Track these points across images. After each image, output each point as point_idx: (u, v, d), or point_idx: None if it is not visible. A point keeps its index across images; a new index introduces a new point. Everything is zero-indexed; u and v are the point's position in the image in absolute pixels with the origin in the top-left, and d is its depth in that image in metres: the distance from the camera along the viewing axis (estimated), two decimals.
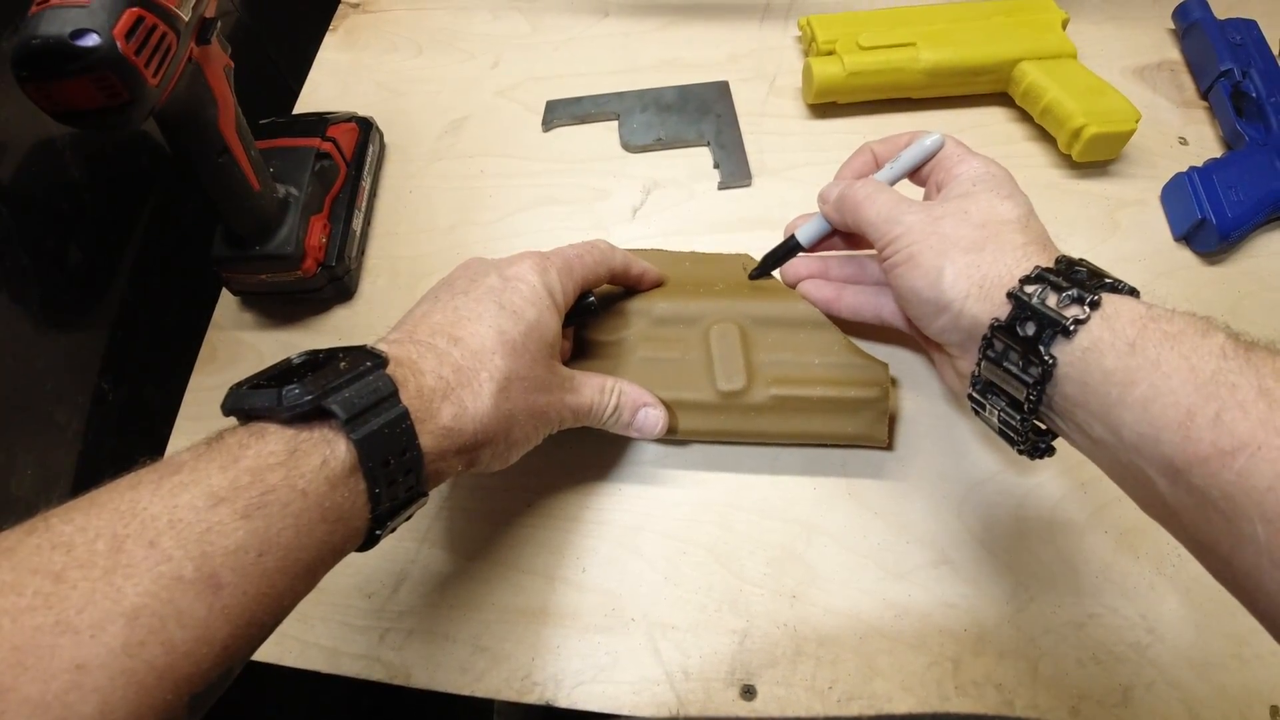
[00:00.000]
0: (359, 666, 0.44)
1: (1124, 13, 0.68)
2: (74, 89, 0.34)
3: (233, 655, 0.27)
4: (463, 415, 0.35)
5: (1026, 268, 0.34)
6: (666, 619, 0.44)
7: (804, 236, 0.47)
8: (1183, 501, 0.29)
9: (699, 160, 0.61)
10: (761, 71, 0.65)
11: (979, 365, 0.36)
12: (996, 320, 0.34)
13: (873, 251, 0.43)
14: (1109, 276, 0.34)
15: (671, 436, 0.47)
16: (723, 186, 0.59)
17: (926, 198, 0.44)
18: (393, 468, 0.31)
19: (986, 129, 0.61)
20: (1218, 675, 0.42)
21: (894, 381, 0.50)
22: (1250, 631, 0.43)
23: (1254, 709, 0.41)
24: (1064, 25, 0.62)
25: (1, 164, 0.47)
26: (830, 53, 0.60)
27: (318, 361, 0.33)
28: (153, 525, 0.25)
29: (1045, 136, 0.60)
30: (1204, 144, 0.61)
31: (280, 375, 0.32)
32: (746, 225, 0.58)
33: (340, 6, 0.72)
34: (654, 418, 0.45)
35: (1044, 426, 0.35)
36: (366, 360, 0.32)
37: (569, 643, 0.44)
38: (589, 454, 0.49)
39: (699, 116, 0.62)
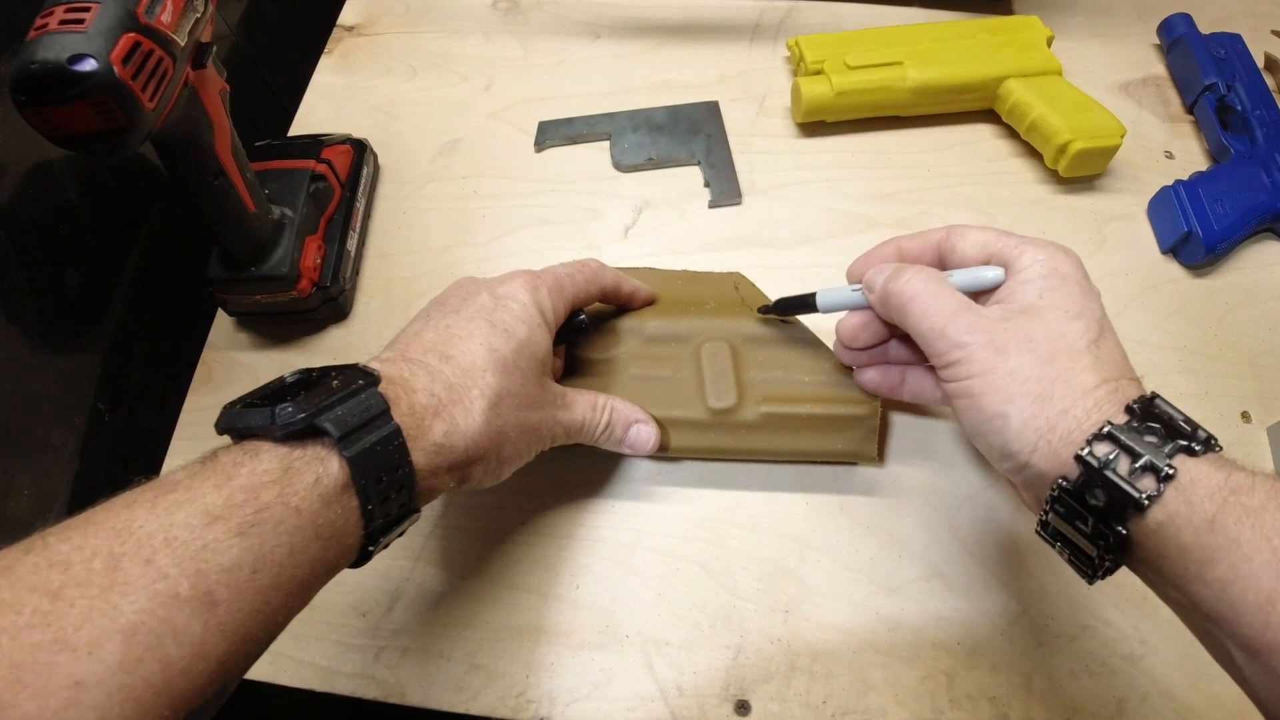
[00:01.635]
0: (354, 685, 0.44)
1: (1109, 29, 0.69)
2: (71, 113, 0.35)
3: (228, 671, 0.27)
4: (454, 432, 0.35)
5: (1097, 422, 0.32)
6: (660, 635, 0.44)
7: (824, 303, 0.43)
8: (1260, 679, 0.28)
9: (690, 180, 0.62)
10: (751, 92, 0.66)
11: (1047, 514, 0.33)
12: (1064, 481, 0.32)
13: None
14: (1184, 428, 0.31)
15: (663, 454, 0.47)
16: (713, 205, 0.60)
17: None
18: (385, 485, 0.32)
19: (973, 146, 0.62)
20: (1211, 686, 0.42)
21: None
22: None
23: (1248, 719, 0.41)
24: (1049, 43, 0.62)
25: (0, 187, 0.47)
26: (818, 72, 0.61)
27: (310, 380, 0.33)
28: (149, 543, 0.26)
29: (1032, 153, 0.60)
30: (1190, 157, 0.61)
31: (273, 394, 0.32)
32: (737, 244, 0.58)
33: (335, 30, 0.72)
34: (646, 434, 0.45)
35: None
36: (359, 378, 0.32)
37: (563, 660, 0.44)
38: (582, 472, 0.49)
39: (689, 136, 0.63)
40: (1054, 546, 0.35)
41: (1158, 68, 0.67)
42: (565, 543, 0.47)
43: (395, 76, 0.69)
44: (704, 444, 0.47)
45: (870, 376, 0.44)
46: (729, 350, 0.47)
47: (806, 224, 0.59)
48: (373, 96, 0.68)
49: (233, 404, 0.32)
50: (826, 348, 0.47)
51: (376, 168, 0.63)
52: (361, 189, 0.59)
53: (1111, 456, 0.30)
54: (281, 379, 0.34)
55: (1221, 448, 0.31)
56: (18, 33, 0.35)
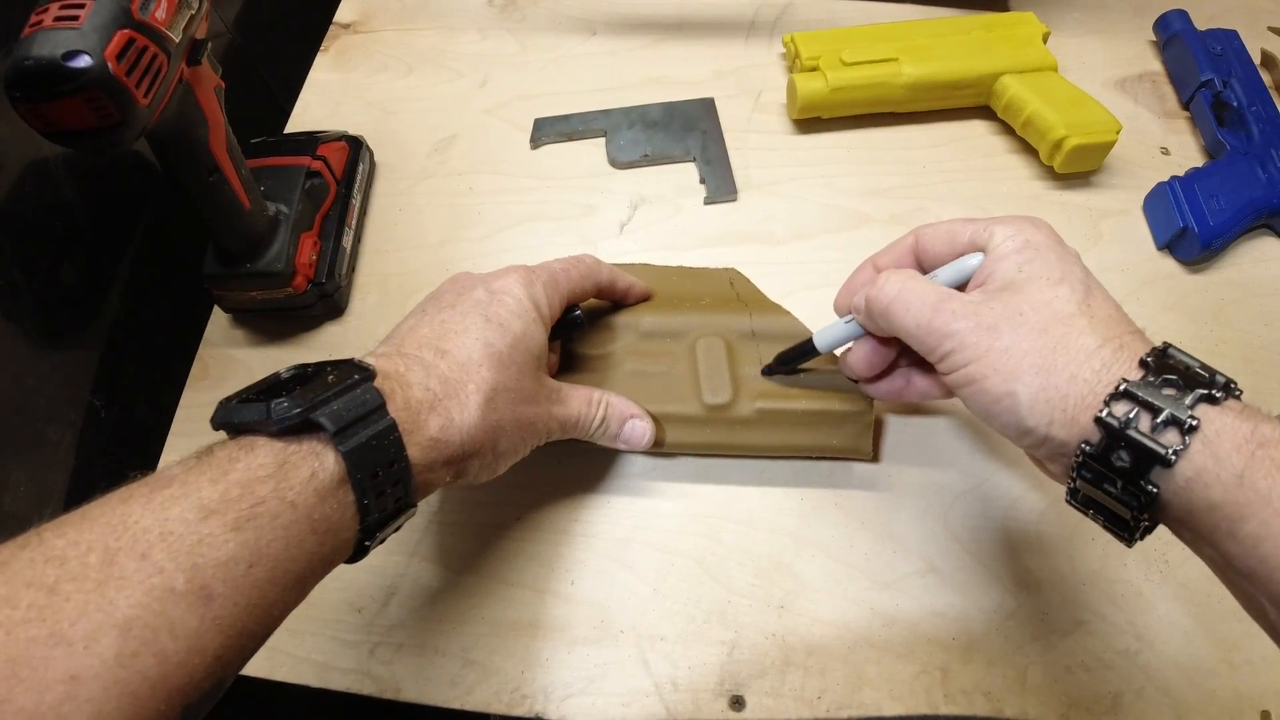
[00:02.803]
0: (349, 680, 0.44)
1: (1105, 25, 0.69)
2: (66, 109, 0.35)
3: (225, 666, 0.27)
4: (450, 427, 0.35)
5: (1109, 381, 0.31)
6: (655, 630, 0.44)
7: (822, 343, 0.43)
8: None
9: (685, 176, 0.62)
10: (746, 88, 0.66)
11: (1075, 482, 0.33)
12: (1087, 445, 0.31)
13: None
14: (1202, 374, 0.31)
15: (659, 450, 0.47)
16: (709, 201, 0.60)
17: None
18: (381, 479, 0.32)
19: (969, 142, 0.62)
20: (1207, 681, 0.42)
21: None
22: (1240, 637, 0.43)
23: (1244, 714, 0.41)
24: (1045, 39, 0.62)
25: None
26: (814, 69, 0.61)
27: (306, 375, 0.33)
28: (144, 538, 0.26)
29: (1028, 149, 0.60)
30: (1186, 153, 0.62)
31: (269, 389, 0.32)
32: (732, 240, 0.58)
33: (332, 27, 0.72)
34: (641, 429, 0.45)
35: None
36: (354, 373, 0.33)
37: (558, 655, 0.44)
38: (577, 467, 0.49)
39: (685, 133, 0.63)
40: (1086, 514, 0.34)
41: (1154, 64, 0.67)
42: (561, 538, 0.47)
43: (391, 73, 0.69)
44: (699, 439, 0.47)
45: (876, 388, 0.43)
46: (724, 346, 0.47)
47: (802, 220, 0.59)
48: (369, 93, 0.68)
49: (228, 399, 0.32)
50: None
51: (372, 164, 0.63)
52: (357, 185, 0.59)
53: (1132, 415, 0.30)
54: (277, 374, 0.34)
55: (1242, 392, 0.31)
56: (12, 28, 0.35)
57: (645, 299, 0.50)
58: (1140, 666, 0.43)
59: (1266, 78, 0.63)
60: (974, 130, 0.63)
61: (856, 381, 0.43)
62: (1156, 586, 0.44)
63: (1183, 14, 0.65)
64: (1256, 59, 0.64)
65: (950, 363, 0.34)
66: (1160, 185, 0.57)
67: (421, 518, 0.48)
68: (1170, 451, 0.29)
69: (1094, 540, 0.46)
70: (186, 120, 0.43)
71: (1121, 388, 0.30)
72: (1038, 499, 0.47)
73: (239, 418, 0.31)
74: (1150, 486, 0.30)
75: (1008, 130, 0.61)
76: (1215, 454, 0.28)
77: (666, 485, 0.49)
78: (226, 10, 0.70)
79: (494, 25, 0.71)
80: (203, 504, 0.27)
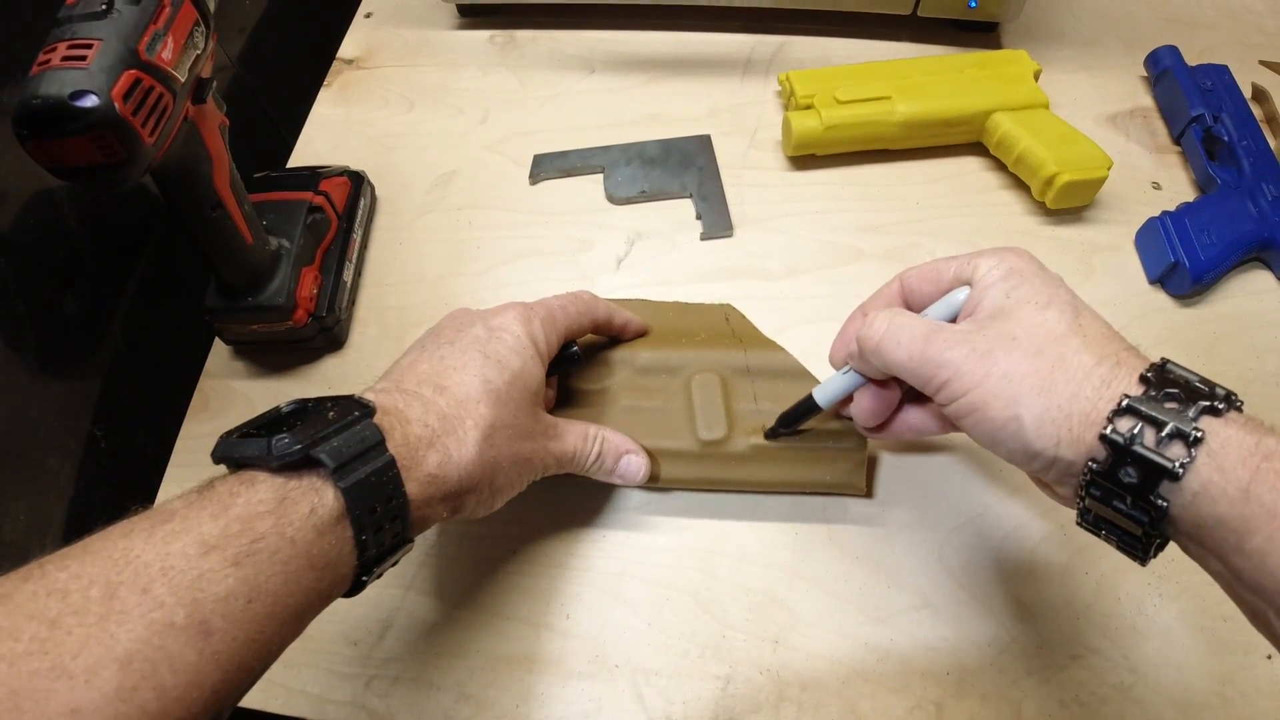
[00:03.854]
0: (344, 714, 0.44)
1: (1096, 62, 0.70)
2: (72, 148, 0.35)
3: (222, 700, 0.27)
4: (448, 463, 0.35)
5: (1111, 398, 0.31)
6: (650, 665, 0.44)
7: (823, 397, 0.43)
8: None
9: (682, 212, 0.62)
10: (742, 125, 0.67)
11: (1084, 501, 0.33)
12: (1094, 463, 0.31)
13: None
14: (1202, 388, 0.31)
15: (654, 485, 0.47)
16: (705, 237, 0.60)
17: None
18: (379, 515, 0.32)
19: (962, 179, 0.63)
20: (1201, 715, 0.42)
21: None
22: (1233, 670, 0.43)
23: None
24: (1036, 76, 0.63)
25: (0, 214, 0.48)
26: (809, 107, 0.62)
27: (306, 410, 0.33)
28: (145, 572, 0.26)
29: (1020, 185, 0.61)
30: (1177, 188, 0.62)
31: (270, 424, 0.33)
32: (728, 275, 0.59)
33: (335, 62, 0.74)
34: (636, 464, 0.45)
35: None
36: (354, 409, 0.33)
37: (553, 690, 0.44)
38: (573, 501, 0.50)
39: (682, 169, 0.64)
40: (1099, 534, 0.34)
41: (1145, 99, 0.68)
42: (557, 572, 0.48)
43: (393, 109, 0.70)
44: (694, 475, 0.47)
45: (882, 433, 0.42)
46: (719, 381, 0.48)
47: (797, 255, 0.59)
48: (370, 128, 0.69)
49: (229, 434, 0.32)
50: (815, 379, 0.48)
51: (373, 199, 0.64)
52: (358, 220, 0.60)
53: (1136, 430, 0.30)
54: (278, 409, 0.34)
55: (1243, 403, 0.31)
56: (21, 63, 0.36)
57: (642, 334, 0.51)
58: (1135, 700, 0.43)
59: (1257, 111, 0.63)
60: (967, 167, 0.64)
61: (867, 431, 0.43)
62: (1150, 620, 0.44)
63: (1173, 50, 0.66)
64: (1247, 93, 0.64)
65: (948, 392, 0.34)
66: (1152, 220, 0.58)
67: (418, 551, 0.48)
68: (1177, 464, 0.29)
69: (1087, 575, 0.46)
70: (191, 157, 0.44)
71: (1124, 403, 0.30)
72: (1031, 534, 0.47)
73: (240, 453, 0.31)
74: (1160, 501, 0.29)
75: (1000, 167, 0.62)
76: (1221, 467, 0.28)
77: (662, 520, 0.49)
78: (231, 45, 0.72)
79: (494, 62, 0.73)
80: (203, 539, 0.27)
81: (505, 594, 0.47)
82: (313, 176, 0.58)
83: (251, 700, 0.43)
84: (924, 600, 0.46)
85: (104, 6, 0.36)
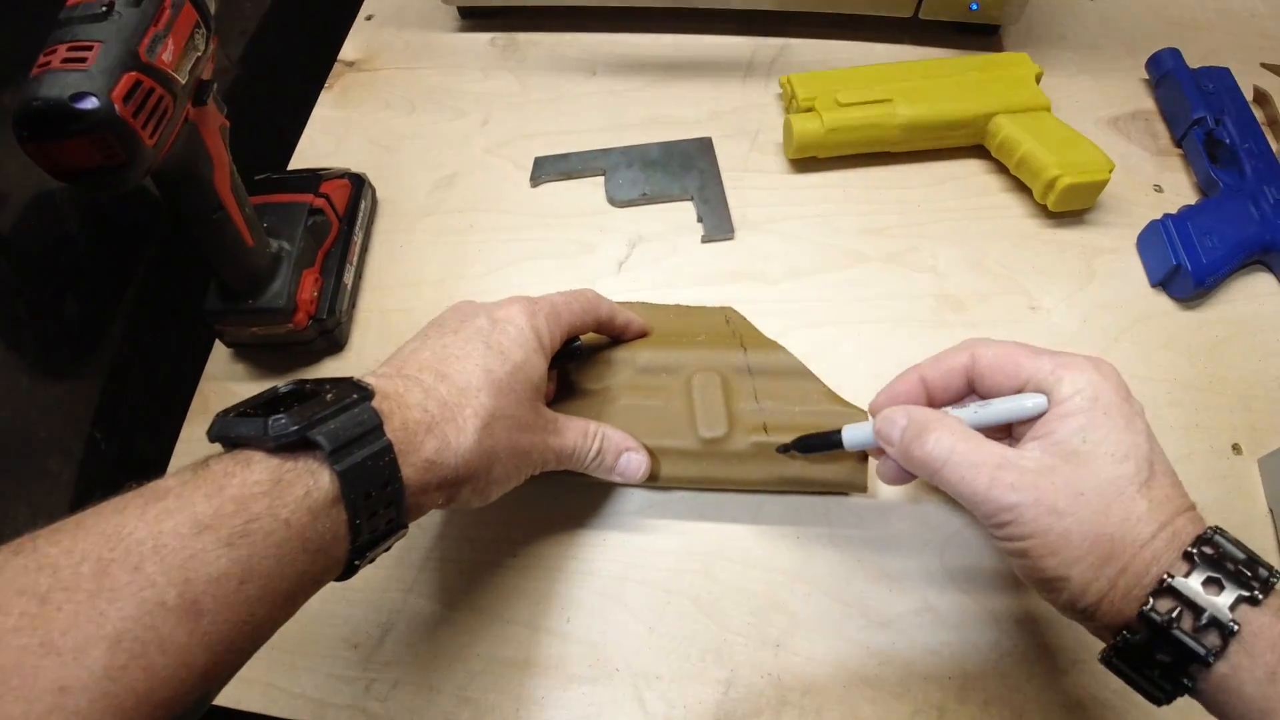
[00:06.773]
0: (345, 717, 0.44)
1: (1098, 65, 0.70)
2: (73, 149, 0.35)
3: (211, 681, 0.27)
4: (445, 449, 0.35)
5: (1156, 575, 0.31)
6: (650, 669, 0.44)
7: (850, 442, 0.41)
8: None
9: (683, 214, 0.62)
10: (744, 128, 0.67)
11: (1112, 656, 0.33)
12: (1129, 634, 0.32)
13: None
14: (1245, 572, 0.31)
15: (654, 483, 0.47)
16: (706, 240, 0.60)
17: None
18: (374, 500, 0.32)
19: (963, 181, 0.63)
20: (1203, 716, 0.42)
21: None
22: None
23: None
24: (1038, 79, 0.63)
25: (1, 217, 0.48)
26: (810, 109, 0.62)
27: (304, 392, 0.33)
28: (137, 550, 0.26)
29: (1021, 187, 0.61)
30: (1179, 191, 0.62)
31: (267, 404, 0.32)
32: (729, 278, 0.58)
33: (336, 65, 0.74)
34: (636, 462, 0.45)
35: None
36: (353, 392, 0.33)
37: (553, 694, 0.44)
38: (574, 503, 0.49)
39: (683, 172, 0.64)
40: (1118, 675, 0.34)
41: (1146, 102, 0.68)
42: (557, 575, 0.47)
43: (394, 111, 0.70)
44: (694, 473, 0.47)
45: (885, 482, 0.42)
46: (719, 381, 0.48)
47: (798, 259, 0.59)
48: (372, 130, 0.69)
49: (226, 412, 0.32)
50: (816, 378, 0.48)
51: (374, 201, 0.64)
52: (359, 223, 0.60)
53: (1175, 614, 0.30)
54: (275, 389, 0.34)
55: (1279, 581, 0.31)
56: (21, 65, 0.36)
57: (643, 335, 0.51)
58: (1137, 705, 0.42)
59: (1259, 114, 0.63)
60: (968, 170, 0.63)
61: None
62: None
63: (1175, 52, 0.66)
64: (1249, 96, 0.64)
65: (1006, 533, 0.34)
66: (1153, 223, 0.58)
67: (419, 554, 0.48)
68: (1210, 653, 0.30)
69: None
70: (192, 159, 0.44)
71: (1166, 584, 0.31)
72: None
73: (236, 432, 0.31)
74: (1186, 681, 0.31)
75: (1002, 169, 0.62)
76: (1250, 651, 0.29)
77: (662, 523, 0.49)
78: (233, 47, 0.72)
79: (496, 65, 0.73)
80: (197, 518, 0.27)
81: (505, 597, 0.47)
82: (314, 179, 0.58)
83: (251, 704, 0.43)
84: (926, 604, 0.45)
85: (104, 8, 0.36)
